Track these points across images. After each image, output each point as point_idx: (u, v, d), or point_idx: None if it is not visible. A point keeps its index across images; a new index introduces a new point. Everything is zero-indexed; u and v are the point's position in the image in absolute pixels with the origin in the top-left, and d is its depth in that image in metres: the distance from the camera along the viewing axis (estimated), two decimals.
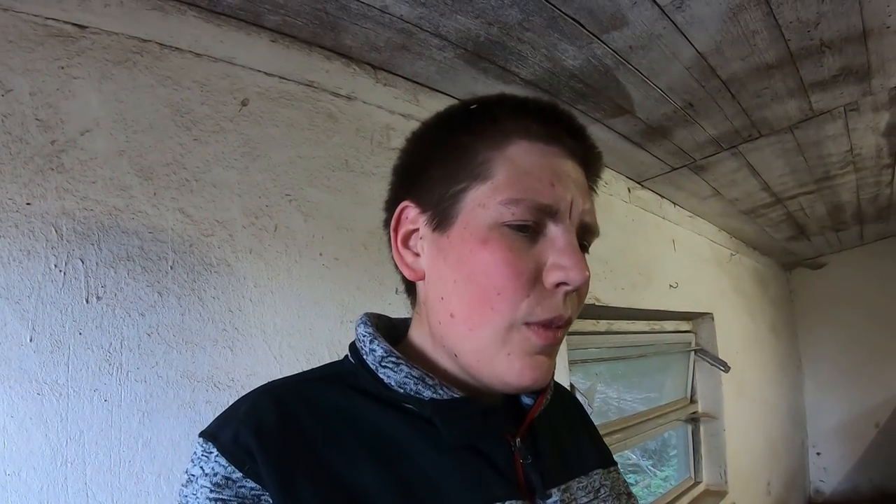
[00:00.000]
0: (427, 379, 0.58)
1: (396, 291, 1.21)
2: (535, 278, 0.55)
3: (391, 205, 0.66)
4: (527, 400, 0.68)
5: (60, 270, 0.80)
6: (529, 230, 0.56)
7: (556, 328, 0.57)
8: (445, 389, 0.58)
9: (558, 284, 0.56)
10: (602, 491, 0.71)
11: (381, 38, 1.16)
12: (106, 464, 0.79)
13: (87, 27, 0.88)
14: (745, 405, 3.32)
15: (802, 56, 1.48)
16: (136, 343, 0.85)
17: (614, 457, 0.81)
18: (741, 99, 1.69)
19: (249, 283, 0.99)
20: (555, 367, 0.70)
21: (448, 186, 0.59)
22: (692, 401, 3.02)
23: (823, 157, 2.35)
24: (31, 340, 0.76)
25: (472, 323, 0.57)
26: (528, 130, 0.59)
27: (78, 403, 0.78)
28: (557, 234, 0.57)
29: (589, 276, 0.56)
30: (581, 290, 0.59)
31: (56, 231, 0.80)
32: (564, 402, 0.81)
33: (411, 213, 0.62)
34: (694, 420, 2.98)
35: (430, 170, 0.61)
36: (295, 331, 1.04)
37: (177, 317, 0.90)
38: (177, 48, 0.97)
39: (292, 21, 1.06)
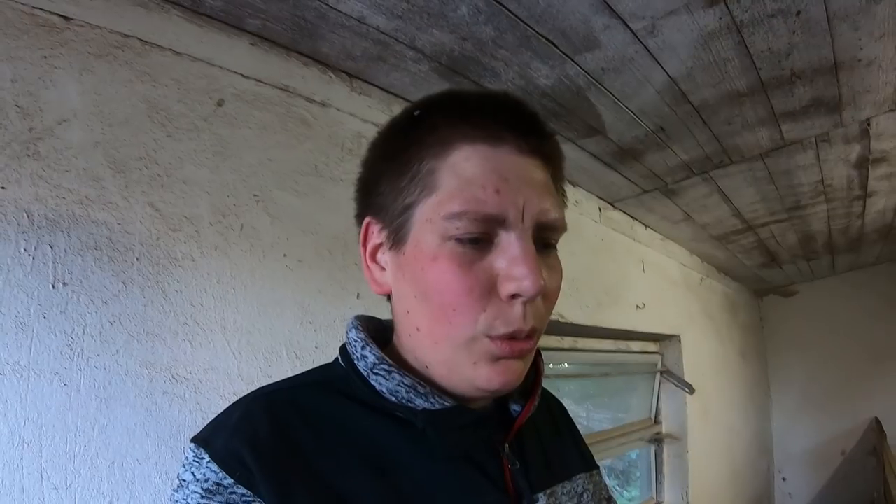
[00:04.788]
0: (419, 387, 0.57)
1: (358, 296, 1.23)
2: (489, 291, 0.54)
3: (358, 220, 0.65)
4: (515, 407, 0.67)
5: (29, 255, 0.80)
6: (480, 241, 0.54)
7: (522, 340, 0.56)
8: (437, 398, 0.57)
9: (513, 296, 0.53)
10: (585, 496, 0.71)
11: (358, 47, 1.18)
12: (62, 447, 0.80)
13: (72, 19, 0.90)
14: (710, 428, 3.36)
15: (773, 85, 1.51)
16: (99, 330, 0.86)
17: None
18: (712, 125, 1.73)
19: (213, 280, 1.00)
20: (542, 370, 0.71)
21: (399, 201, 0.58)
22: (656, 421, 3.05)
23: (794, 187, 2.39)
24: None
25: (435, 337, 0.57)
26: (468, 134, 0.56)
27: (38, 386, 0.79)
28: (509, 243, 0.54)
29: (545, 284, 0.54)
30: (549, 296, 0.58)
31: (28, 216, 0.81)
32: (550, 407, 0.82)
33: (375, 229, 0.62)
34: (658, 441, 3.00)
35: (382, 184, 0.60)
36: (255, 329, 1.05)
37: (139, 307, 0.91)
38: (157, 45, 0.99)
39: (272, 26, 1.09)
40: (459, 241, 0.53)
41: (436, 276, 0.54)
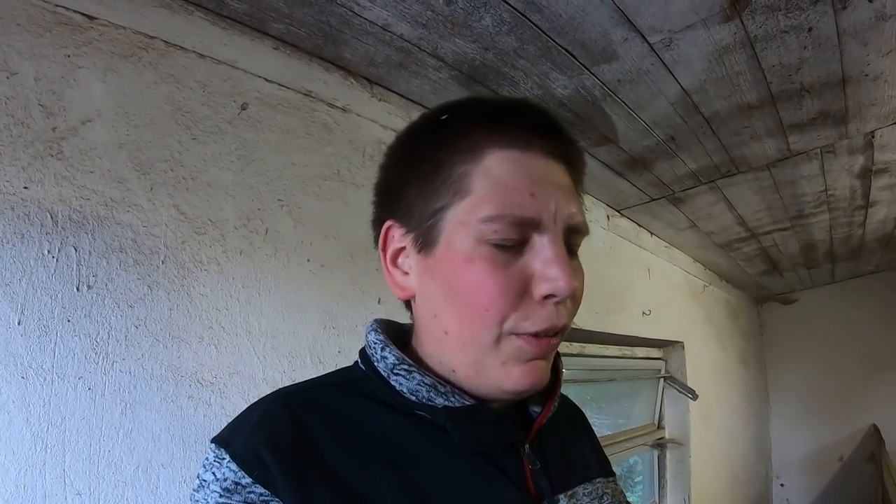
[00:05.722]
0: (439, 386, 0.58)
1: (379, 301, 1.23)
2: (522, 292, 0.55)
3: (376, 224, 0.65)
4: (535, 408, 0.67)
5: (53, 256, 0.80)
6: (514, 243, 0.55)
7: (549, 337, 0.57)
8: (458, 396, 0.58)
9: (547, 296, 0.55)
10: (605, 498, 0.71)
11: (380, 54, 1.19)
12: (86, 452, 0.79)
13: (95, 18, 0.89)
14: (712, 434, 3.36)
15: (783, 98, 1.53)
16: (124, 334, 0.85)
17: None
18: (721, 136, 1.74)
19: (238, 284, 1.00)
20: (561, 370, 0.71)
21: (428, 205, 0.58)
22: (659, 427, 3.06)
23: (798, 196, 2.40)
24: (18, 324, 0.76)
25: (464, 339, 0.57)
26: (500, 139, 0.57)
27: (62, 389, 0.78)
28: (543, 245, 0.55)
29: (577, 285, 0.55)
30: (576, 297, 0.59)
31: (51, 217, 0.80)
32: (569, 411, 0.82)
33: (397, 233, 0.61)
34: (660, 446, 3.01)
35: (409, 188, 0.60)
36: (279, 333, 1.05)
37: (165, 311, 0.90)
38: (181, 47, 0.99)
39: (296, 31, 1.09)
40: (496, 244, 0.54)
41: (471, 277, 0.55)
